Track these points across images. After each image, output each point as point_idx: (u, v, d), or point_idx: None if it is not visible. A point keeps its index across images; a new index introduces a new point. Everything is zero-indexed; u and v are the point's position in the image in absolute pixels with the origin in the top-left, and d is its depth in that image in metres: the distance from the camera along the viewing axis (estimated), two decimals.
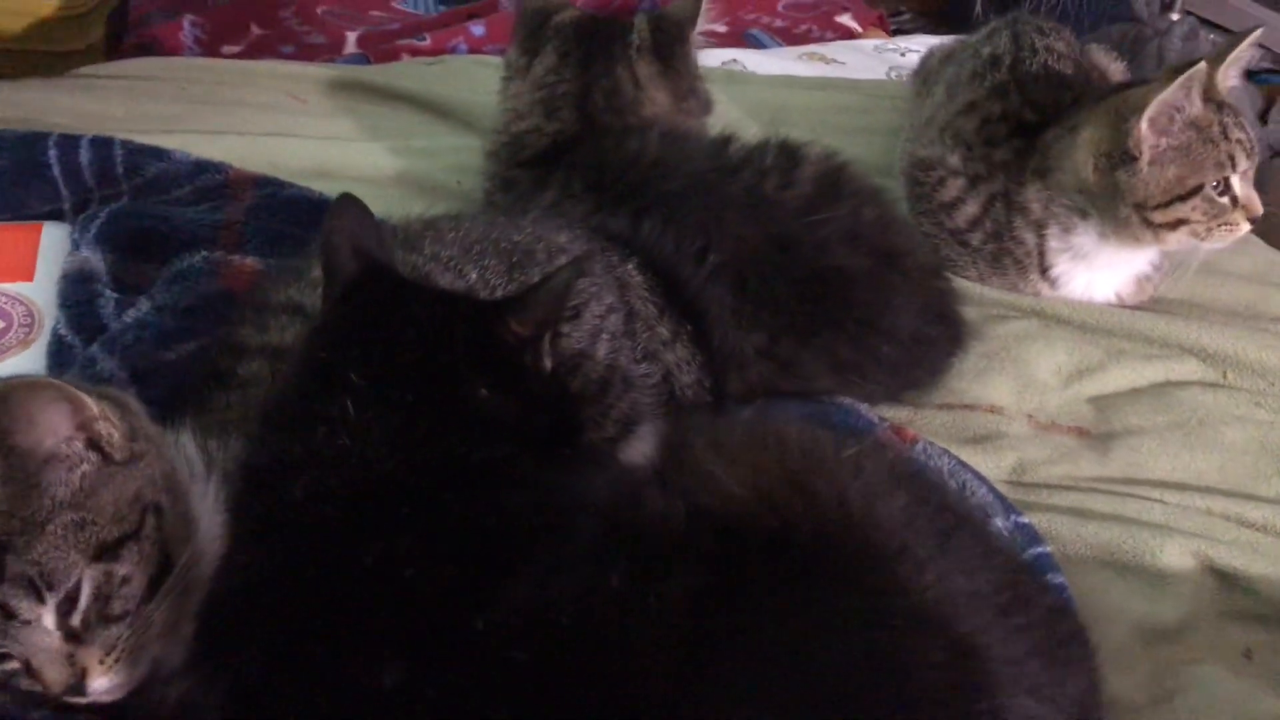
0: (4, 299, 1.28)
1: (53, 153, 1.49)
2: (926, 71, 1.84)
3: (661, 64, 1.51)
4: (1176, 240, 1.41)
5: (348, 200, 0.99)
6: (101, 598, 0.79)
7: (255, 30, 2.44)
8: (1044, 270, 1.52)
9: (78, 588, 0.79)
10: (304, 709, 0.75)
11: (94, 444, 0.82)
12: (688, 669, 0.71)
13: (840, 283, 1.28)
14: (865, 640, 0.74)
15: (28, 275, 1.32)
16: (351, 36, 2.43)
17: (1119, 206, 1.40)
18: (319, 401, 0.85)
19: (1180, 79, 1.32)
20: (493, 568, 0.76)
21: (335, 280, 0.94)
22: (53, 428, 0.80)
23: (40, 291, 1.30)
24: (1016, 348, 1.43)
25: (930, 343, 1.34)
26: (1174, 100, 1.34)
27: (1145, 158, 1.36)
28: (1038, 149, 1.50)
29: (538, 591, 0.74)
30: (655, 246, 1.25)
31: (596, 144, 1.43)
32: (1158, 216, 1.38)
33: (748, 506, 0.79)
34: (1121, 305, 1.54)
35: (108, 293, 1.26)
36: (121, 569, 0.80)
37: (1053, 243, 1.49)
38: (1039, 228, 1.49)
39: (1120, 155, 1.38)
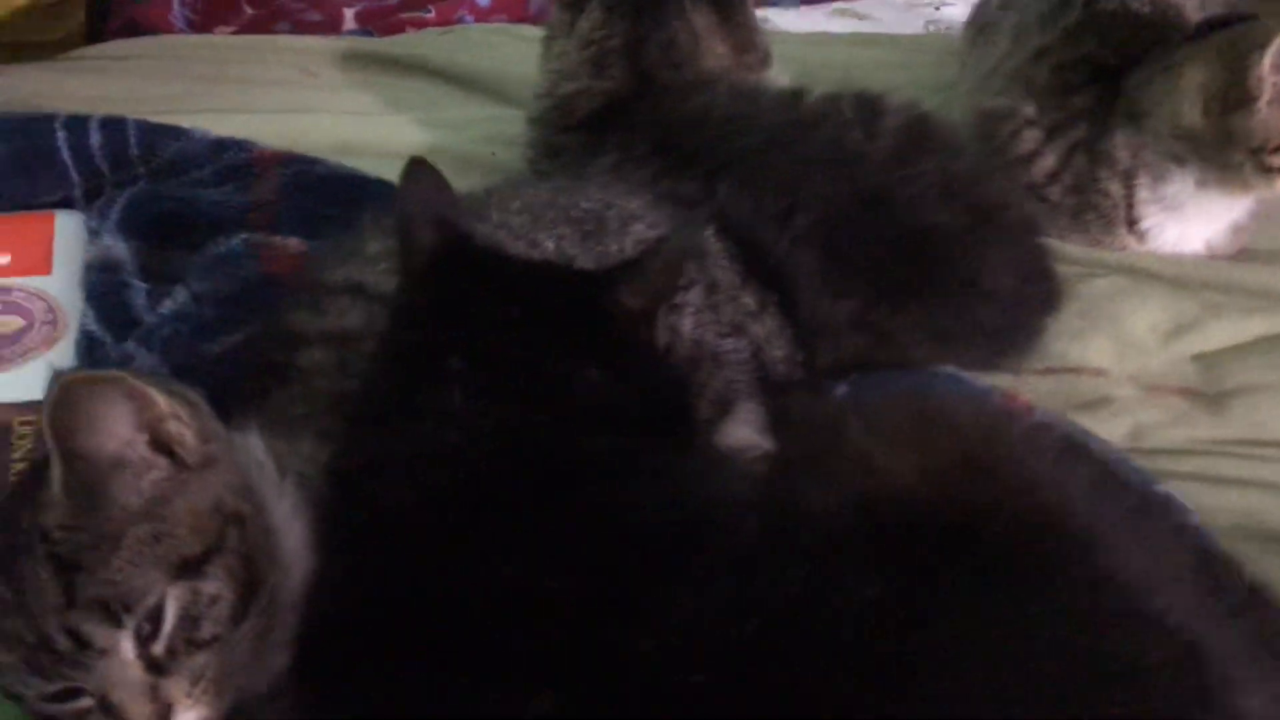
0: (21, 295, 1.16)
1: (60, 135, 1.36)
2: (983, 21, 1.73)
3: (719, 14, 1.38)
4: None
5: (420, 165, 0.88)
6: (189, 620, 0.69)
7: (248, 10, 2.32)
8: (1131, 224, 1.41)
9: (158, 610, 0.68)
10: None
11: (162, 446, 0.71)
12: (885, 686, 0.61)
13: (936, 242, 1.16)
14: (1080, 642, 0.64)
15: (44, 268, 1.21)
16: (349, 13, 2.30)
17: (1230, 152, 1.30)
18: (419, 392, 0.74)
19: None
20: (644, 576, 0.65)
21: (414, 254, 0.84)
22: (116, 428, 0.69)
23: (59, 285, 1.18)
24: (1109, 306, 1.32)
25: (1028, 303, 1.23)
26: None
27: (1265, 97, 1.27)
28: (1122, 94, 1.39)
29: (704, 602, 0.63)
30: (733, 210, 1.14)
31: (657, 102, 1.30)
32: (1276, 160, 1.29)
33: (923, 496, 0.69)
34: (1212, 257, 1.45)
35: (135, 283, 1.15)
36: (209, 587, 0.69)
37: (1143, 194, 1.39)
38: (1127, 178, 1.39)
39: (1236, 96, 1.28)
